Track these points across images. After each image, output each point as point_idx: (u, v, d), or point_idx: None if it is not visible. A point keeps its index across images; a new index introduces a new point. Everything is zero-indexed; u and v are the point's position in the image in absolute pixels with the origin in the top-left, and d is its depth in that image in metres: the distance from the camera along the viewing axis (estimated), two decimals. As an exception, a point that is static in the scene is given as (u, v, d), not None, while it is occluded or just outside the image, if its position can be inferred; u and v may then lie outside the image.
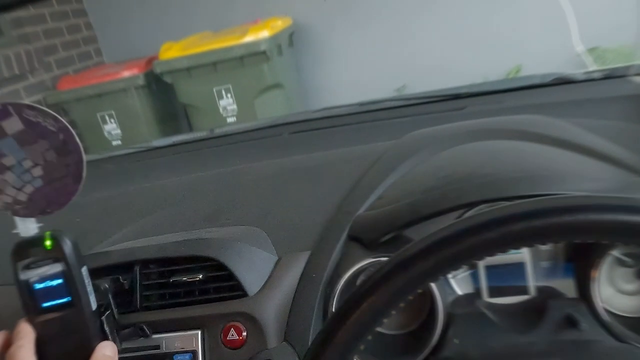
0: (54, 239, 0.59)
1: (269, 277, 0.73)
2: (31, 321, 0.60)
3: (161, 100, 3.36)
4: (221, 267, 0.72)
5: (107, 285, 0.70)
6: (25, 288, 0.60)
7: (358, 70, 4.02)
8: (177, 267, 0.74)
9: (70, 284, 0.60)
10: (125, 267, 0.75)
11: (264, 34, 3.13)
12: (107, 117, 3.23)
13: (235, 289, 0.71)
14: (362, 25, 3.88)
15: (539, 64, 3.35)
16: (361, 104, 1.31)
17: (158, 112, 3.36)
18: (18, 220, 0.60)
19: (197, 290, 0.73)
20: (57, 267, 0.59)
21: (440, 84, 1.84)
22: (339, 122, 1.26)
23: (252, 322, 0.69)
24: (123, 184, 1.16)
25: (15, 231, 0.60)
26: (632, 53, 3.21)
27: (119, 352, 0.62)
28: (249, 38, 3.10)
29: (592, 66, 3.24)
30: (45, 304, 0.60)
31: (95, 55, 3.87)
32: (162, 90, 3.29)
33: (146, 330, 0.71)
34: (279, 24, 3.40)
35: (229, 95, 3.22)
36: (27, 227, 0.60)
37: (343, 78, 4.06)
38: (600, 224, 0.42)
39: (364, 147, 0.98)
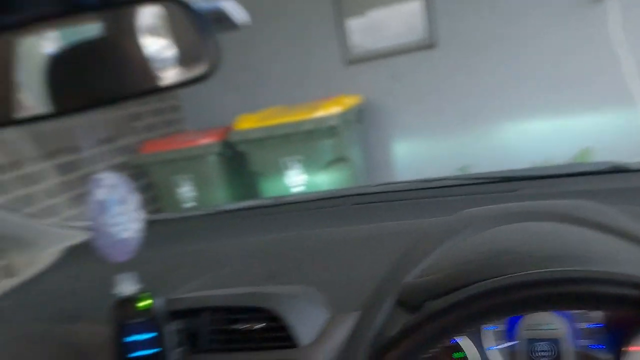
0: (148, 299, 0.74)
1: (321, 332, 0.80)
2: None
3: (234, 168, 3.55)
4: (277, 318, 0.80)
5: (179, 328, 0.80)
6: (120, 340, 0.73)
7: (423, 148, 4.10)
8: (238, 316, 0.83)
9: (160, 339, 0.74)
10: (193, 313, 0.84)
11: (334, 110, 3.29)
12: (183, 180, 3.45)
13: (289, 340, 0.79)
14: (430, 106, 3.99)
15: (609, 147, 3.33)
16: (419, 181, 1.39)
17: (230, 179, 3.55)
18: (119, 280, 0.74)
19: (254, 338, 0.81)
20: (149, 324, 0.74)
21: (504, 164, 1.89)
22: (397, 197, 1.33)
23: None
24: (193, 242, 1.28)
25: (115, 290, 0.74)
26: None
27: None
28: (319, 113, 3.26)
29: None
30: (134, 355, 0.73)
31: (179, 123, 4.18)
32: (235, 159, 3.49)
33: None
34: (349, 101, 3.57)
35: (297, 166, 3.37)
36: (126, 286, 0.74)
37: (408, 155, 4.15)
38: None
39: (418, 221, 1.05)
